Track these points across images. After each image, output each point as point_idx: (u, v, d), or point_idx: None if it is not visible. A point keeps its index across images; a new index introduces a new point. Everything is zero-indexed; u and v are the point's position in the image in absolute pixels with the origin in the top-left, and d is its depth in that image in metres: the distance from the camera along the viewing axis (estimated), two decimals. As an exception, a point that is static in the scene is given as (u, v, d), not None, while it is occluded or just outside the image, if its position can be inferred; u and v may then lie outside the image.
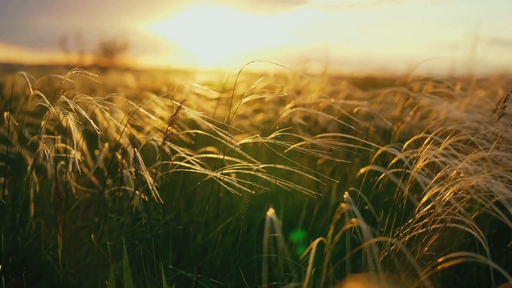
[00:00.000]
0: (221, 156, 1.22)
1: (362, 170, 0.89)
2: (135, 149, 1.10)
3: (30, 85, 1.36)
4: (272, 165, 1.16)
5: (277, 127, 1.22)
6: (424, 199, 0.96)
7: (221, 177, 1.13)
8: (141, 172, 1.22)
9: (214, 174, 1.14)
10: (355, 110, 1.52)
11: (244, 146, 2.56)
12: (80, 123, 1.33)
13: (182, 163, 1.16)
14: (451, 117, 1.73)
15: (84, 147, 1.97)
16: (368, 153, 1.85)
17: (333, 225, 0.86)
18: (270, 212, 0.78)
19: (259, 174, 1.16)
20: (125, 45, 18.44)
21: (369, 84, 3.54)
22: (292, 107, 1.59)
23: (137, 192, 1.29)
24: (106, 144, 1.74)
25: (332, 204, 1.55)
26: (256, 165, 1.15)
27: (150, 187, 1.08)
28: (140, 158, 1.09)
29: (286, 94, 2.45)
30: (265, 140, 1.16)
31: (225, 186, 1.12)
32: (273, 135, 1.17)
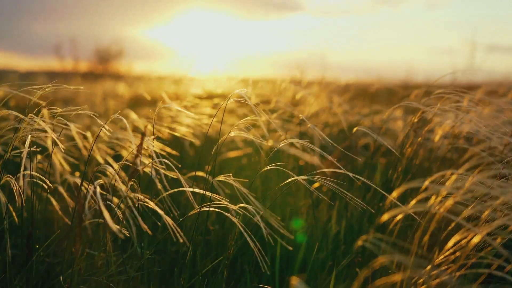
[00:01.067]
0: (204, 191, 1.08)
1: (385, 217, 0.75)
2: (94, 184, 0.95)
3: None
4: (256, 204, 1.01)
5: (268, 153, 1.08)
6: (451, 243, 0.81)
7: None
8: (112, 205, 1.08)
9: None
10: (354, 130, 1.37)
11: (238, 166, 2.40)
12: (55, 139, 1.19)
13: (152, 205, 1.01)
14: (462, 133, 1.59)
15: (62, 167, 1.82)
16: (371, 175, 1.71)
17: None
18: (296, 281, 0.63)
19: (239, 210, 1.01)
20: (120, 52, 18.29)
21: (368, 95, 3.40)
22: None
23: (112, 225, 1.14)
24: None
25: (332, 234, 1.40)
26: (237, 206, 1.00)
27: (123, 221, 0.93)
28: (98, 196, 0.93)
29: (281, 107, 2.30)
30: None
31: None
32: (264, 169, 1.03)
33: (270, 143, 1.65)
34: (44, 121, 1.22)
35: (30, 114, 1.27)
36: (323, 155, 1.17)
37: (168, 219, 1.01)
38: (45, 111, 1.41)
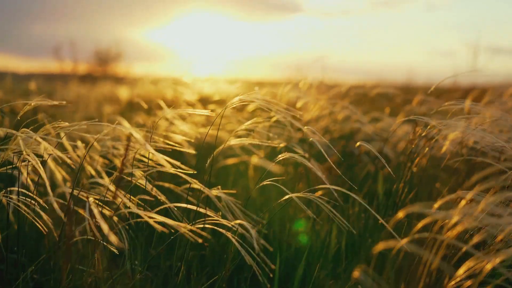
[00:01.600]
0: (195, 207, 1.02)
1: (380, 247, 0.69)
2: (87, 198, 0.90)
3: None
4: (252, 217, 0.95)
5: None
6: (462, 270, 0.76)
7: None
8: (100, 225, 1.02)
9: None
10: (357, 145, 1.32)
11: (237, 170, 2.34)
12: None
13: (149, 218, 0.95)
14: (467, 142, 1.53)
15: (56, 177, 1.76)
16: (373, 186, 1.65)
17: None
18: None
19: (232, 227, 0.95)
20: (119, 54, 18.22)
21: (369, 99, 3.34)
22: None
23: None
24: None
25: (333, 250, 1.34)
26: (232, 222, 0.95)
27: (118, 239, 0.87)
28: (95, 211, 0.88)
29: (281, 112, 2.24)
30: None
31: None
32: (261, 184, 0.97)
33: (262, 154, 1.60)
34: (40, 138, 1.17)
35: (24, 129, 1.21)
36: (323, 159, 1.11)
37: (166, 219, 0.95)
38: (46, 124, 1.35)
